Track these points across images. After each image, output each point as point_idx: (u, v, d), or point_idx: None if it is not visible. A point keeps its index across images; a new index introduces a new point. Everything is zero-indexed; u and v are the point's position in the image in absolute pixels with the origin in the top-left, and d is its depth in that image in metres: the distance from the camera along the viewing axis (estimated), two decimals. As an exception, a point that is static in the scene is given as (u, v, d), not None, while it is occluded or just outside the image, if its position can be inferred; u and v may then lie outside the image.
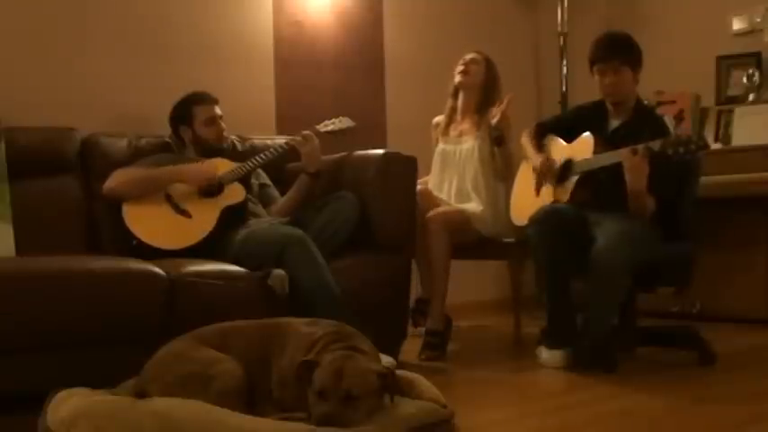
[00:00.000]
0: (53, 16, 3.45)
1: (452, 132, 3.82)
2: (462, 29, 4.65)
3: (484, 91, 3.74)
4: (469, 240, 3.61)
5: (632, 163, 2.95)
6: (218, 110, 3.31)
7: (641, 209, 3.05)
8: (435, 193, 3.73)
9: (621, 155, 2.99)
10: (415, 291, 3.61)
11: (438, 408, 1.95)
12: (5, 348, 2.40)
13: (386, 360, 2.14)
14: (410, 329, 3.45)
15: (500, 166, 3.67)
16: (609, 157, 3.06)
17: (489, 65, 3.78)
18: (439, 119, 3.92)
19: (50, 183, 3.16)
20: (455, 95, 3.83)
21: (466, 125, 3.77)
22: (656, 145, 2.92)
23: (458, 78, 3.77)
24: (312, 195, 3.27)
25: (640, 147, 2.94)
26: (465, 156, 3.73)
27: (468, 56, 3.78)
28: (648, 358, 3.26)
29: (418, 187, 3.41)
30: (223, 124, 3.32)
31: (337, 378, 1.79)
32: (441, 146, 3.85)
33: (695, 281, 3.23)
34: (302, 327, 2.08)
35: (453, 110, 3.84)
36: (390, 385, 1.87)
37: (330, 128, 3.42)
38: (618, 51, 3.22)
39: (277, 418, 1.88)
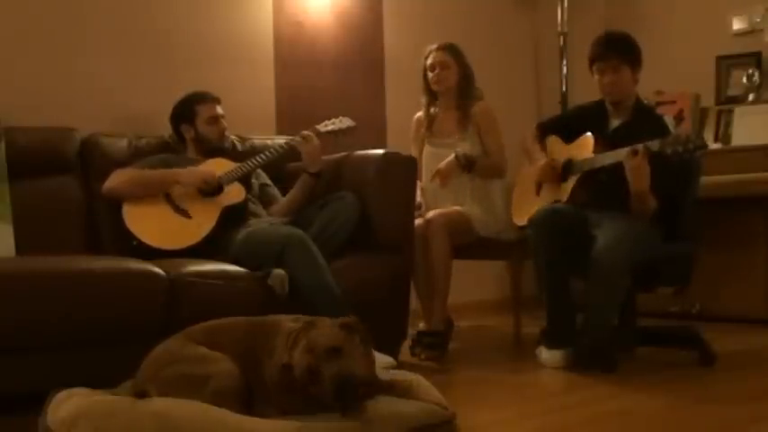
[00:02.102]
0: (53, 16, 3.45)
1: (438, 132, 3.76)
2: (462, 29, 4.64)
3: (459, 89, 3.71)
4: (470, 240, 3.60)
5: (633, 164, 2.94)
6: (219, 109, 3.32)
7: (644, 209, 3.05)
8: (429, 196, 3.72)
9: (621, 155, 2.98)
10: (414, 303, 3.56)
11: (439, 408, 1.95)
12: (5, 348, 2.40)
13: (386, 360, 2.14)
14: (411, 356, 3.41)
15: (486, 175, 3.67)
16: (609, 158, 3.06)
17: (458, 58, 3.70)
18: (421, 114, 3.85)
19: (50, 183, 3.16)
20: (429, 93, 3.77)
21: (451, 123, 3.73)
22: (654, 145, 2.92)
23: (435, 87, 3.72)
24: (314, 195, 3.26)
25: (640, 147, 2.94)
26: None
27: (435, 56, 3.67)
28: (648, 358, 3.25)
29: None
30: (224, 123, 3.32)
31: (309, 348, 1.80)
32: (428, 148, 3.78)
33: (695, 281, 3.22)
34: (288, 324, 2.04)
35: (430, 108, 3.79)
36: (358, 330, 1.88)
37: (330, 128, 3.41)
38: (617, 50, 3.22)
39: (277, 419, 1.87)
